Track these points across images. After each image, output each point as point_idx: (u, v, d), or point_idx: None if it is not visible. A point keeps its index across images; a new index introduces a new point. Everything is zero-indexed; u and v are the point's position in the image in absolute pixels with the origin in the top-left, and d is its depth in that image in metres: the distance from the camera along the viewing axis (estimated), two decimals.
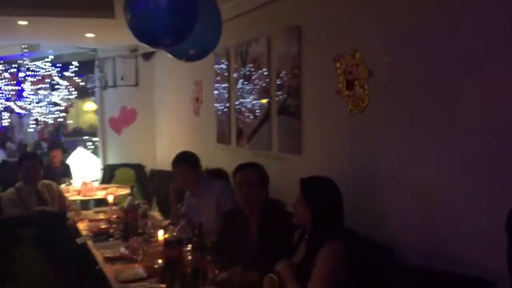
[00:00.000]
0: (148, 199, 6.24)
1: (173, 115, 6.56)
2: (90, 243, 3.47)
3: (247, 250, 2.84)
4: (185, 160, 3.57)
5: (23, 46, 8.25)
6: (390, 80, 2.58)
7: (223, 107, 4.71)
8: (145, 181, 6.72)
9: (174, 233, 2.70)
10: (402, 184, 2.51)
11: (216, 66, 4.81)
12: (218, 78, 4.78)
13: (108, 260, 3.02)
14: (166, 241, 2.63)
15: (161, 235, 2.93)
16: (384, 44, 2.62)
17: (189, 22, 2.29)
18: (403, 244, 2.46)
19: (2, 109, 8.70)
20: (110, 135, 7.71)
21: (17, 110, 8.66)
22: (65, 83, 8.56)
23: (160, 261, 2.67)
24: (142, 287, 2.49)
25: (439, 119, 2.29)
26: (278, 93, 3.66)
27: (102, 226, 3.83)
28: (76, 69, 8.35)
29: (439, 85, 2.29)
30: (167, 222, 3.61)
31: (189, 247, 2.63)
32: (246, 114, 4.21)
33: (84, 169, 6.78)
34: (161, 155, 6.96)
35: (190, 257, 2.58)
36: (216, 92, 4.85)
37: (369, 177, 2.74)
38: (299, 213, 2.32)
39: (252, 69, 4.06)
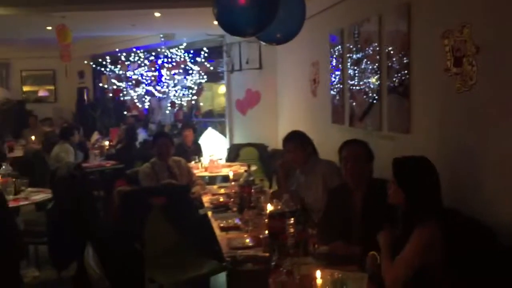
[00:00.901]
0: (269, 177, 6.55)
1: (293, 97, 6.75)
2: (210, 214, 3.85)
3: (349, 225, 2.93)
4: (295, 137, 3.74)
5: (161, 36, 9.06)
6: (499, 56, 2.45)
7: (337, 88, 4.77)
8: (267, 160, 7.04)
9: (279, 207, 2.89)
10: None
11: (331, 47, 4.87)
12: (333, 58, 4.84)
13: (223, 229, 3.33)
14: (270, 214, 2.83)
15: (269, 208, 3.14)
16: (493, 19, 2.49)
17: (270, 12, 2.44)
18: (509, 226, 2.36)
19: (144, 93, 9.60)
20: (236, 116, 8.16)
21: (157, 94, 9.50)
22: (196, 68, 9.19)
23: (266, 232, 2.89)
24: (247, 254, 2.72)
25: None
26: (388, 72, 3.63)
27: (221, 200, 4.20)
28: (206, 54, 8.91)
29: None
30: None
31: (292, 220, 2.80)
32: (358, 94, 4.23)
33: (213, 148, 7.30)
34: (282, 135, 7.19)
35: (292, 230, 2.76)
36: (331, 73, 4.92)
37: (476, 157, 2.64)
38: (392, 193, 2.35)
39: (364, 49, 4.05)
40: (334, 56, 4.80)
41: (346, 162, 2.98)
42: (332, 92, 4.92)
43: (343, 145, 3.09)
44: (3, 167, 5.19)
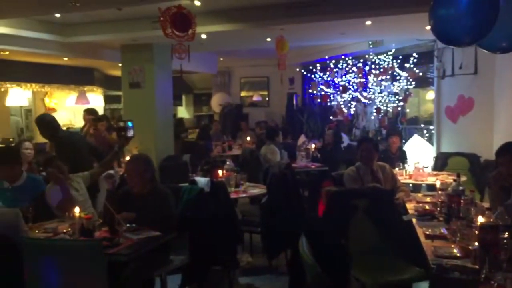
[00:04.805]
0: (480, 189, 6.13)
1: None
2: (414, 220, 3.84)
3: None
4: (510, 151, 3.49)
5: (369, 43, 9.16)
6: None
7: None
8: (479, 171, 6.59)
9: (491, 219, 2.77)
10: None
11: None
12: None
13: (428, 237, 3.31)
14: (482, 225, 2.72)
15: (480, 220, 3.02)
16: None
17: (487, 22, 2.34)
18: None
19: (350, 99, 9.83)
20: (445, 123, 7.80)
21: (362, 100, 9.63)
22: (404, 74, 9.05)
23: (476, 243, 2.79)
24: (454, 264, 2.67)
25: None
26: None
27: (427, 208, 4.14)
28: (415, 60, 8.71)
29: None
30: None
31: (506, 234, 2.65)
32: None
33: (418, 155, 7.13)
34: (498, 145, 6.65)
35: (506, 244, 2.62)
36: None
37: None
38: None
39: None
40: None
41: None
42: None
43: None
44: (227, 162, 5.94)
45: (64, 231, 3.53)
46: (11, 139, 8.83)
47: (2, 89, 10.11)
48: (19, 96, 10.35)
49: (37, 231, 3.59)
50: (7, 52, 8.58)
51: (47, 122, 5.55)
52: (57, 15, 6.68)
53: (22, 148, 5.67)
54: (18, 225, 3.14)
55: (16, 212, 3.19)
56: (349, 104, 9.86)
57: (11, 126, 10.63)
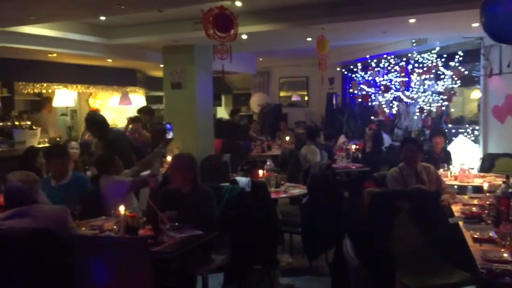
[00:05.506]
0: None
1: None
2: (461, 223, 3.73)
3: None
4: None
5: (412, 41, 8.97)
6: None
7: None
8: None
9: None
10: None
11: None
12: None
13: (476, 240, 3.21)
14: None
15: None
16: None
17: None
18: None
19: (392, 98, 9.65)
20: (492, 123, 7.56)
21: (405, 99, 9.44)
22: (449, 72, 8.81)
23: None
24: (505, 268, 2.58)
25: None
26: None
27: (474, 210, 4.01)
28: (461, 58, 8.47)
29: None
30: None
31: None
32: None
33: (464, 156, 6.92)
34: None
35: None
36: None
37: None
38: None
39: None
40: None
41: None
42: None
43: None
44: (268, 162, 5.94)
45: (110, 228, 3.61)
46: (58, 139, 9.13)
47: (50, 90, 10.46)
48: (65, 97, 10.68)
49: (83, 228, 3.69)
50: (55, 55, 8.87)
51: (98, 122, 5.72)
52: (102, 18, 6.85)
53: (68, 148, 5.85)
54: (67, 222, 3.23)
55: (65, 208, 3.29)
56: (391, 104, 9.68)
57: (60, 125, 10.99)
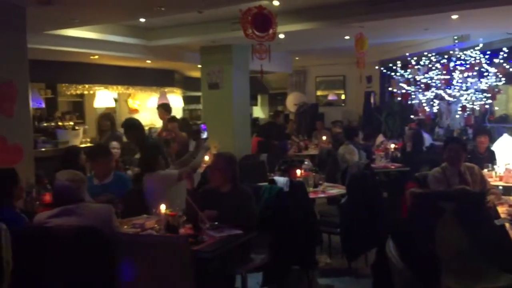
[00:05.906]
0: None
1: None
2: (507, 225, 3.60)
3: None
4: None
5: (454, 38, 8.72)
6: None
7: None
8: None
9: None
10: None
11: None
12: None
13: None
14: None
15: None
16: None
17: None
18: None
19: (432, 96, 9.40)
20: None
21: (446, 97, 9.18)
22: (493, 69, 8.53)
23: None
24: None
25: None
26: None
27: None
28: (505, 55, 8.18)
29: None
30: None
31: None
32: None
33: (508, 156, 6.67)
34: None
35: None
36: None
37: None
38: None
39: None
40: None
41: None
42: None
43: None
44: (305, 162, 5.91)
45: (151, 227, 3.67)
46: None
47: (91, 92, 10.73)
48: (106, 98, 10.92)
49: (125, 227, 3.76)
50: (96, 56, 9.09)
51: (135, 126, 5.84)
52: (142, 20, 6.97)
53: (109, 148, 5.98)
54: (111, 221, 3.30)
55: (110, 207, 3.36)
56: (431, 102, 9.44)
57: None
